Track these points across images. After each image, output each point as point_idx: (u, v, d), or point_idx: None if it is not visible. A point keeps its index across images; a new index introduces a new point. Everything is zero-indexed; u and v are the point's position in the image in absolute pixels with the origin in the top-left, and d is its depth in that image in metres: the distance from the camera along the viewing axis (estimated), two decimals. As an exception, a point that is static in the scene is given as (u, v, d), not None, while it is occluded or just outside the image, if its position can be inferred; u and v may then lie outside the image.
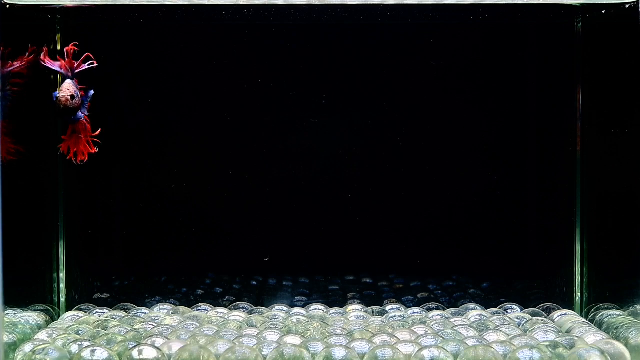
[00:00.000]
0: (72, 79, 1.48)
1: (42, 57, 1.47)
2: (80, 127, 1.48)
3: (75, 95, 1.46)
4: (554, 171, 1.75)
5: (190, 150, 1.76)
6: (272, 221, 1.77)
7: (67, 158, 1.49)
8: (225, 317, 1.62)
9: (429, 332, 1.47)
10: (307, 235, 1.76)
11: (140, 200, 1.76)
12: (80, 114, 1.48)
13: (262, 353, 1.35)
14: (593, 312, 1.62)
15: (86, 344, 1.36)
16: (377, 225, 1.77)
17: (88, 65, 1.48)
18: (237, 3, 1.60)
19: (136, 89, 1.75)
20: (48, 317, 1.62)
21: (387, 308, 1.69)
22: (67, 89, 1.46)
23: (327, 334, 1.46)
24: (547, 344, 1.36)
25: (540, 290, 1.76)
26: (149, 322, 1.55)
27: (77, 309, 1.67)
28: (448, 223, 1.77)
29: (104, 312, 1.66)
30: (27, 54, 1.49)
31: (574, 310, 1.68)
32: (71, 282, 1.73)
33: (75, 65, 1.48)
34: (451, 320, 1.57)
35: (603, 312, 1.58)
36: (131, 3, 1.58)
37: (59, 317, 1.67)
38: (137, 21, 1.69)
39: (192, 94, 1.75)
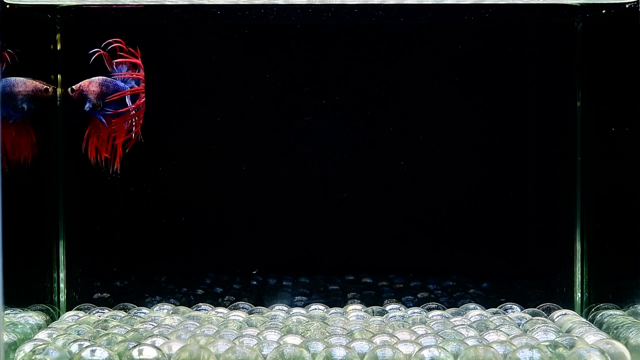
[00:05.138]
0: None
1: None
2: (93, 124, 1.50)
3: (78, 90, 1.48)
4: (554, 171, 1.75)
5: (190, 150, 1.75)
6: (273, 221, 1.77)
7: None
8: (225, 317, 1.62)
9: (429, 332, 1.47)
10: (307, 235, 1.76)
11: (140, 200, 1.76)
12: (90, 109, 1.48)
13: (262, 353, 1.35)
14: (593, 312, 1.62)
15: (86, 344, 1.36)
16: (377, 225, 1.77)
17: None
18: (237, 3, 1.60)
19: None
20: (48, 317, 1.62)
21: (387, 308, 1.69)
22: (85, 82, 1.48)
23: (327, 334, 1.46)
24: (547, 344, 1.36)
25: (540, 290, 1.76)
26: (149, 322, 1.55)
27: (77, 309, 1.67)
28: (448, 223, 1.77)
29: (104, 312, 1.66)
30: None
31: (574, 310, 1.69)
32: (71, 282, 1.73)
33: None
34: (451, 320, 1.58)
35: (603, 312, 1.58)
36: (132, 3, 1.58)
37: (59, 317, 1.67)
38: (137, 21, 1.69)
39: (192, 94, 1.75)
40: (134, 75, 1.50)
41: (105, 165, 1.52)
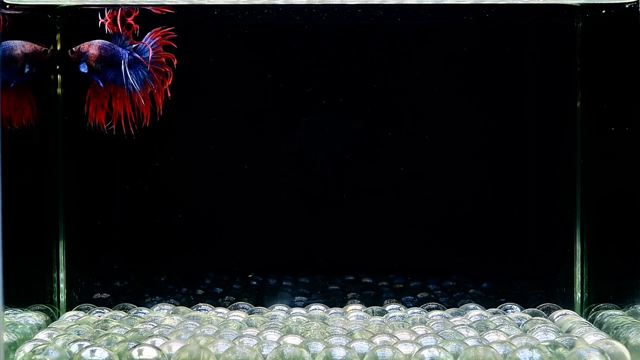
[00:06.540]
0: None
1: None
2: (92, 88, 1.50)
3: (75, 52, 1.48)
4: (554, 171, 1.75)
5: (190, 150, 1.75)
6: (273, 221, 1.77)
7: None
8: (225, 317, 1.62)
9: (429, 332, 1.47)
10: (307, 235, 1.76)
11: (141, 200, 1.76)
12: (86, 70, 1.48)
13: (262, 353, 1.35)
14: (593, 312, 1.62)
15: (86, 344, 1.36)
16: (377, 225, 1.76)
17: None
18: (237, 3, 1.60)
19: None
20: (48, 317, 1.62)
21: (387, 308, 1.69)
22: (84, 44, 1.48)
23: (327, 334, 1.46)
24: (547, 344, 1.36)
25: (540, 290, 1.76)
26: (149, 322, 1.55)
27: (77, 309, 1.67)
28: (448, 223, 1.77)
29: (104, 312, 1.66)
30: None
31: (574, 310, 1.68)
32: (71, 282, 1.73)
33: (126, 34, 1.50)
34: (451, 320, 1.58)
35: (603, 312, 1.58)
36: (131, 3, 1.58)
37: (59, 317, 1.67)
38: (137, 21, 1.69)
39: (192, 93, 1.74)
40: (135, 43, 1.51)
41: (102, 127, 1.52)
